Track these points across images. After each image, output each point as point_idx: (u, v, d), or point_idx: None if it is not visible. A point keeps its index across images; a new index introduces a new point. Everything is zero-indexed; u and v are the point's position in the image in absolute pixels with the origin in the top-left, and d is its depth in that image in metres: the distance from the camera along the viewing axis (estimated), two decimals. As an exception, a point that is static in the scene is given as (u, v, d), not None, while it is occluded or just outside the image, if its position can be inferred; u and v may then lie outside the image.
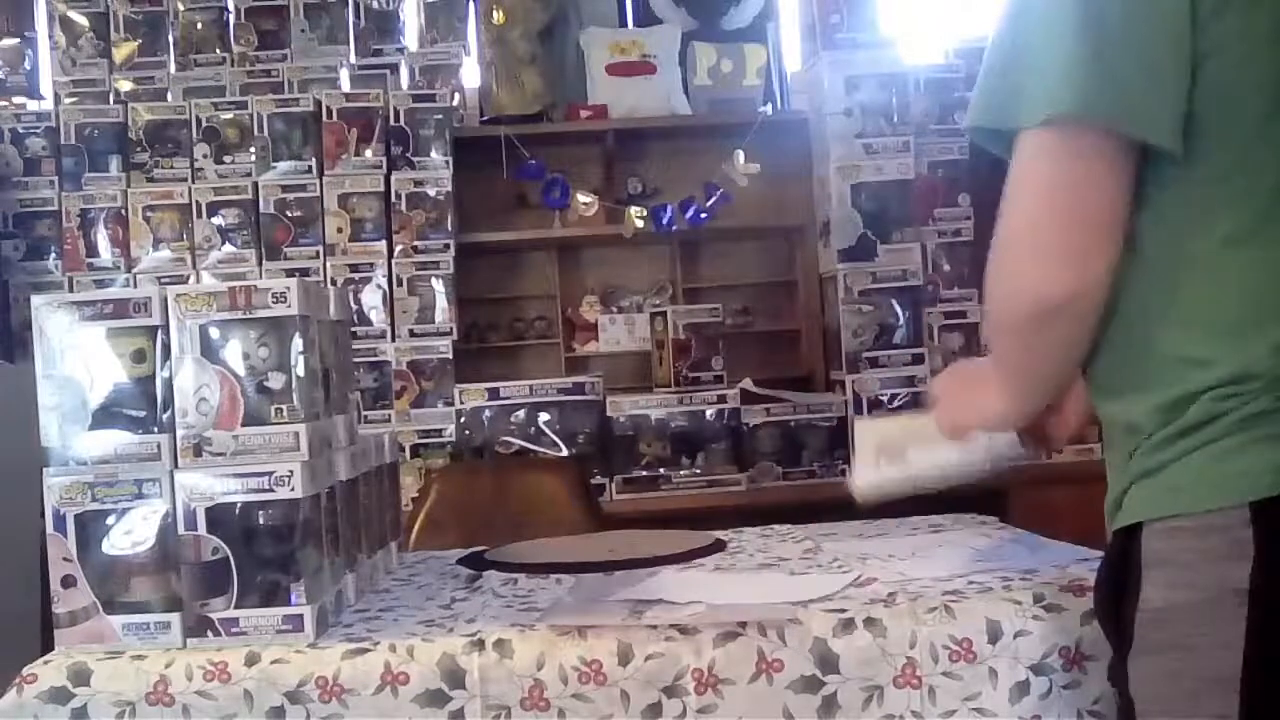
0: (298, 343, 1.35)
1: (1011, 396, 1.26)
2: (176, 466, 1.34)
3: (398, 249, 3.54)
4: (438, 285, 3.56)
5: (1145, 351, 1.10)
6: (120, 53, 3.77)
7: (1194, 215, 1.07)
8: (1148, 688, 1.08)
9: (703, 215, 3.74)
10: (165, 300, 1.35)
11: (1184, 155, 1.05)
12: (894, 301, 3.57)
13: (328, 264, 3.53)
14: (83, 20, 3.77)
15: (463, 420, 3.34)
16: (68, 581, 1.33)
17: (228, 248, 3.51)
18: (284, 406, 1.35)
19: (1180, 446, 1.06)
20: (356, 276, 3.53)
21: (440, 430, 3.48)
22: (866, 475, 1.47)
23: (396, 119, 3.58)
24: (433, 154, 3.58)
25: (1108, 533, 1.21)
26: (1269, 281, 1.05)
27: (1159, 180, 1.07)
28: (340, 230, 3.53)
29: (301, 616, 1.33)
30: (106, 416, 1.35)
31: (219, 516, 1.33)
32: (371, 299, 3.53)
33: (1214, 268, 1.06)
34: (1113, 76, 1.03)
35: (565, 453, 3.27)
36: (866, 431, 1.54)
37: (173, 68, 3.77)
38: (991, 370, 1.26)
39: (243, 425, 1.34)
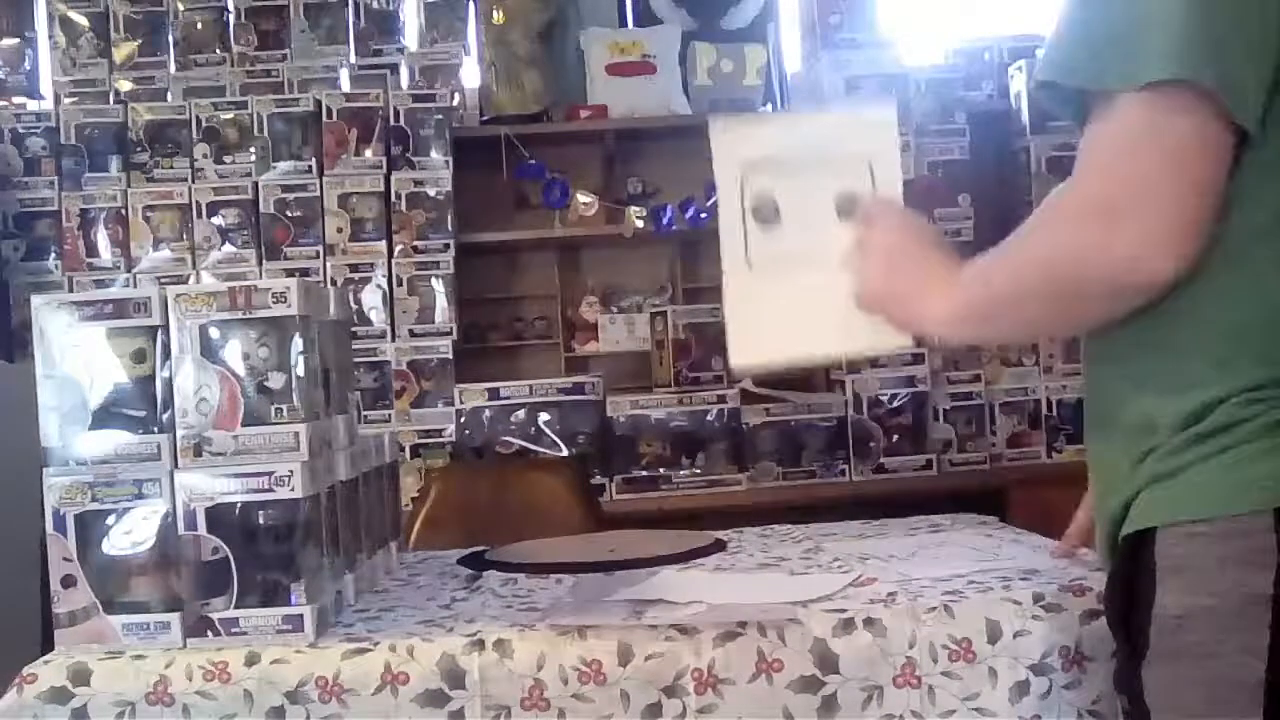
0: (298, 343, 1.35)
1: (973, 324, 1.19)
2: (176, 466, 1.34)
3: (398, 249, 3.54)
4: (438, 285, 3.56)
5: (1173, 350, 1.08)
6: (120, 53, 3.77)
7: (1249, 216, 1.04)
8: (1166, 696, 1.06)
9: (703, 215, 3.74)
10: (165, 300, 1.35)
11: (1251, 151, 1.02)
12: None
13: (328, 264, 3.52)
14: (83, 20, 3.77)
15: (463, 420, 3.34)
16: (68, 581, 1.33)
17: (228, 248, 3.51)
18: (284, 406, 1.35)
19: (1200, 450, 1.05)
20: (356, 276, 3.52)
21: (440, 430, 3.47)
22: (746, 352, 1.34)
23: (396, 119, 3.58)
24: (433, 154, 3.58)
25: (1097, 535, 1.19)
26: None
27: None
28: (340, 230, 3.53)
29: (301, 616, 1.33)
30: (106, 416, 1.35)
31: (219, 516, 1.33)
32: (371, 299, 3.53)
33: (1247, 265, 1.04)
34: (1221, 48, 0.99)
35: (565, 453, 3.27)
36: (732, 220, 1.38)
37: (173, 68, 3.77)
38: (959, 279, 1.18)
39: (243, 425, 1.34)
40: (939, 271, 1.22)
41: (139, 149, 3.55)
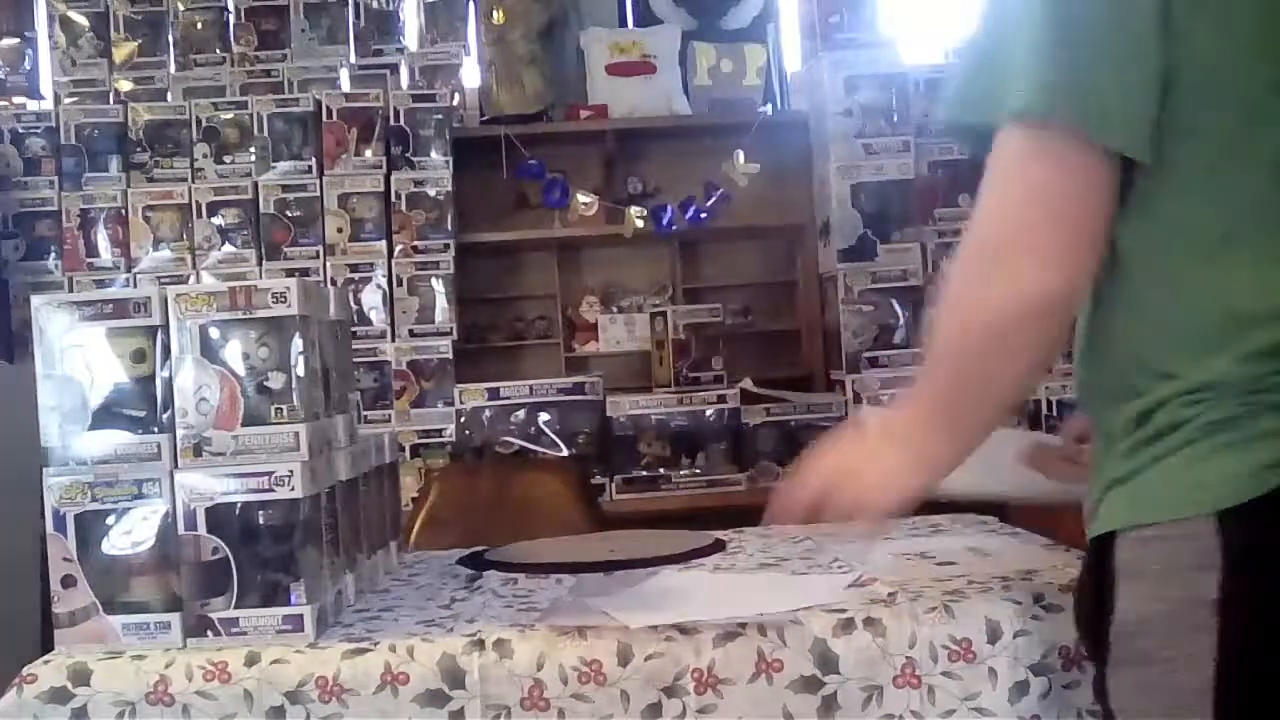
0: (298, 343, 1.35)
1: (943, 416, 1.15)
2: (176, 466, 1.34)
3: (398, 249, 3.54)
4: (438, 285, 3.56)
5: (1120, 362, 1.09)
6: (120, 53, 3.77)
7: (1166, 226, 1.05)
8: (1126, 701, 1.06)
9: (703, 215, 3.74)
10: (165, 300, 1.35)
11: (1157, 165, 1.03)
12: (894, 301, 3.57)
13: (328, 264, 3.53)
14: (83, 20, 3.77)
15: (463, 420, 3.34)
16: (68, 581, 1.33)
17: (228, 248, 3.51)
18: (284, 406, 1.35)
19: (1148, 454, 1.04)
20: (356, 276, 3.53)
21: (440, 430, 3.48)
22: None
23: (396, 119, 3.58)
24: (433, 154, 3.58)
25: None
26: (1237, 293, 1.03)
27: (1135, 188, 1.05)
28: (340, 230, 3.53)
29: (301, 616, 1.33)
30: (106, 416, 1.35)
31: (219, 516, 1.33)
32: (371, 299, 3.53)
33: (1184, 279, 1.05)
34: (1082, 79, 1.01)
35: (565, 453, 3.27)
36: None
37: (173, 68, 3.77)
38: (891, 427, 1.18)
39: (243, 425, 1.34)
40: (862, 447, 1.22)
41: (139, 149, 3.55)
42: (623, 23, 4.03)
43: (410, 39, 3.85)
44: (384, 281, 3.53)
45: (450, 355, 3.56)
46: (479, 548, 1.87)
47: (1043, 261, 1.04)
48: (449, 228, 3.58)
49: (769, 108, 3.91)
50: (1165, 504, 1.02)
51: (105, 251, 3.54)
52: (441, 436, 3.48)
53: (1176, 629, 1.00)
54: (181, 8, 3.77)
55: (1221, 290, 1.03)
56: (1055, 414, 3.46)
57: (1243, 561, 0.98)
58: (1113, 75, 1.01)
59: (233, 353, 1.34)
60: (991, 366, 1.11)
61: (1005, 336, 1.08)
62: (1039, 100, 1.02)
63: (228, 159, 3.55)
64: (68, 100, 3.72)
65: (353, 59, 3.78)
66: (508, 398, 3.34)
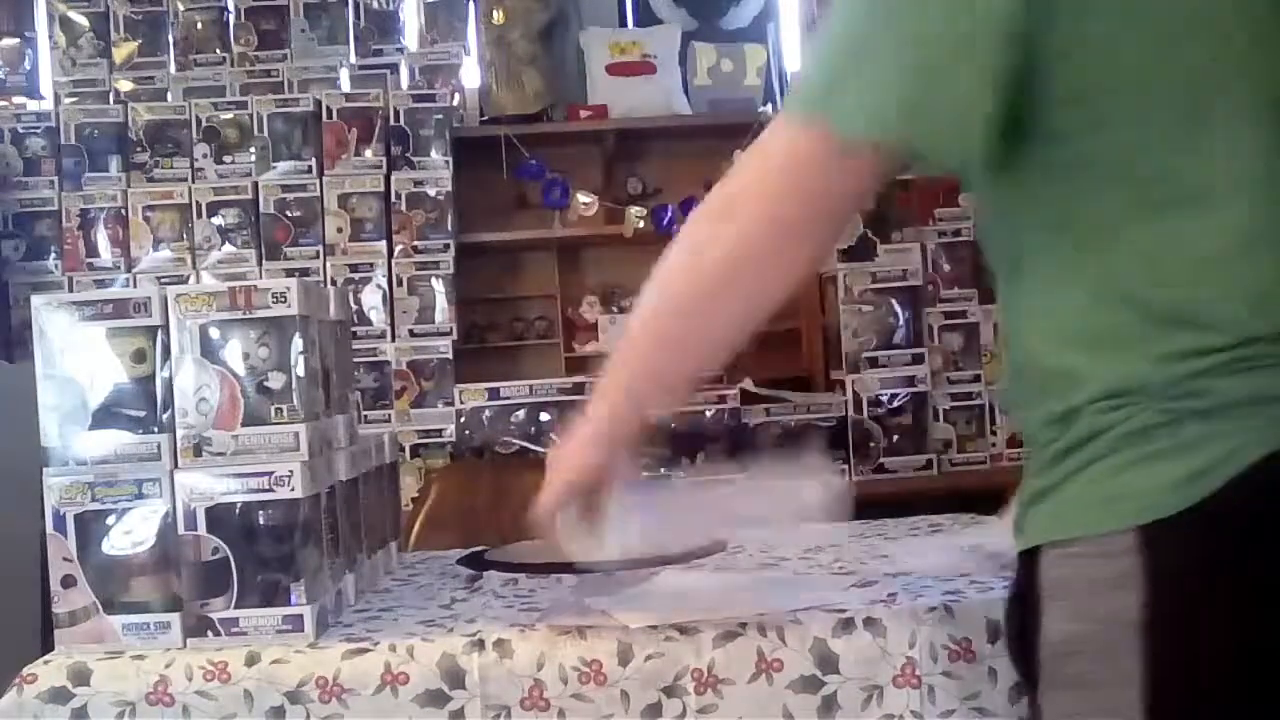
0: (298, 343, 1.35)
1: (618, 396, 1.20)
2: (176, 466, 1.34)
3: (398, 249, 3.54)
4: (438, 285, 3.56)
5: (1031, 365, 1.05)
6: (120, 53, 3.77)
7: (1063, 223, 1.01)
8: None
9: (703, 215, 3.74)
10: (165, 300, 1.35)
11: (1042, 161, 1.00)
12: (894, 301, 3.57)
13: (328, 264, 3.52)
14: (83, 20, 3.77)
15: (463, 420, 3.34)
16: (68, 581, 1.33)
17: (228, 248, 3.51)
18: (284, 406, 1.35)
19: (1067, 465, 0.99)
20: (356, 276, 3.52)
21: (440, 430, 3.47)
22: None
23: (396, 119, 3.58)
24: (433, 154, 3.58)
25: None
26: (1147, 288, 0.98)
27: (1024, 186, 1.02)
28: (340, 230, 3.53)
29: (301, 616, 1.33)
30: (106, 416, 1.35)
31: (219, 516, 1.33)
32: (371, 299, 3.53)
33: (1087, 277, 1.00)
34: (863, 77, 0.99)
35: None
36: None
37: (173, 68, 3.76)
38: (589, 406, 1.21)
39: (243, 425, 1.34)
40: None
41: (139, 149, 3.55)
42: (623, 23, 4.03)
43: (410, 39, 3.85)
44: (384, 281, 3.53)
45: (450, 355, 3.55)
46: (479, 548, 1.86)
47: (789, 233, 1.05)
48: (449, 228, 3.57)
49: (769, 108, 3.90)
50: (1085, 519, 0.97)
51: (105, 251, 3.54)
52: (441, 436, 3.47)
53: (1103, 651, 0.95)
54: (181, 8, 3.76)
55: (1128, 288, 0.98)
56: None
57: (1166, 581, 0.93)
58: (932, 82, 0.98)
59: (233, 353, 1.34)
60: (694, 324, 1.14)
61: (716, 291, 1.10)
62: (814, 96, 1.02)
63: (228, 159, 3.55)
64: (68, 100, 3.72)
65: (353, 59, 3.78)
66: (508, 398, 3.34)
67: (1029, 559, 1.02)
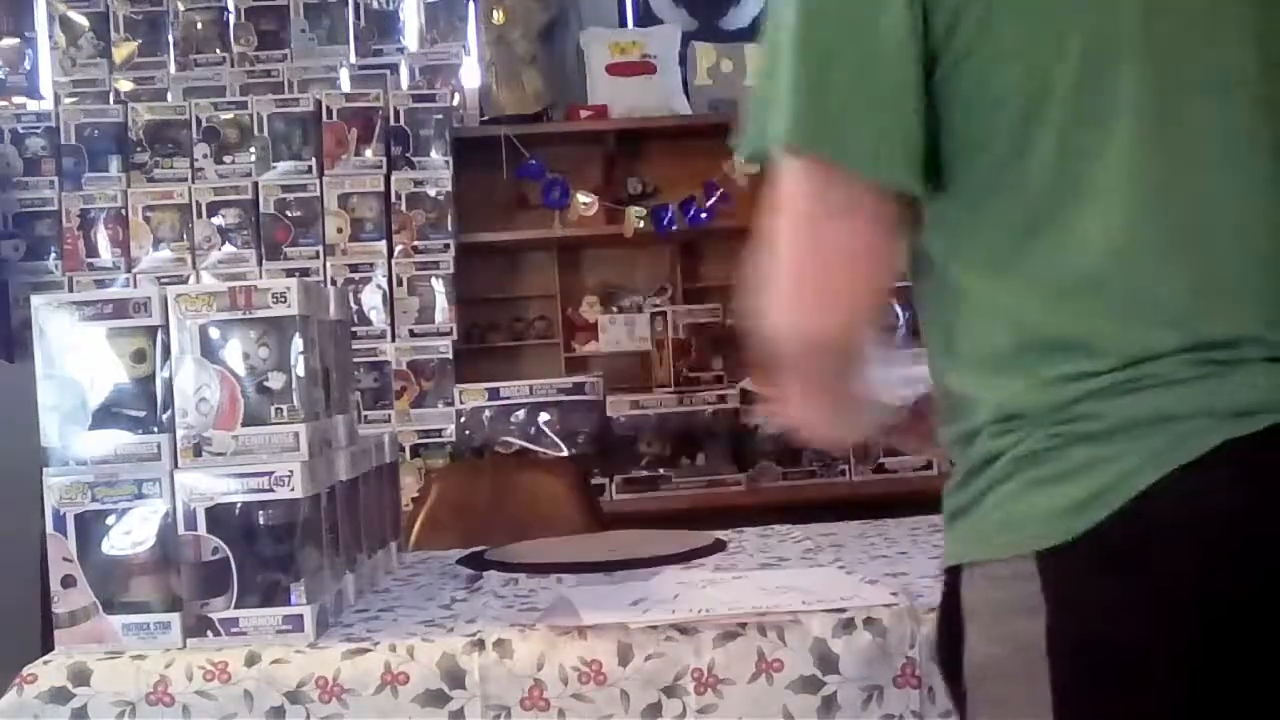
0: (298, 343, 1.35)
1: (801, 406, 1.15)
2: (176, 466, 1.34)
3: (398, 249, 3.54)
4: (438, 285, 3.56)
5: (939, 385, 1.05)
6: (120, 53, 3.77)
7: (952, 243, 1.01)
8: None
9: (703, 215, 3.74)
10: (165, 300, 1.35)
11: (950, 178, 0.99)
12: (894, 301, 3.56)
13: (328, 264, 3.52)
14: (83, 20, 3.77)
15: (463, 420, 3.34)
16: (68, 581, 1.33)
17: (228, 248, 3.51)
18: (284, 406, 1.35)
19: (975, 486, 0.98)
20: (356, 276, 3.52)
21: (440, 430, 3.47)
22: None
23: (396, 119, 3.58)
24: (433, 154, 3.58)
25: None
26: (1028, 310, 0.96)
27: (929, 209, 1.01)
28: (340, 230, 3.53)
29: (301, 616, 1.33)
30: (106, 416, 1.35)
31: (219, 516, 1.33)
32: (371, 299, 3.53)
33: (974, 298, 0.99)
34: (829, 107, 0.97)
35: (565, 453, 3.27)
36: None
37: (173, 68, 3.76)
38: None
39: (243, 425, 1.34)
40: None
41: (139, 149, 3.55)
42: (623, 23, 4.03)
43: (410, 39, 3.85)
44: (384, 281, 3.53)
45: (450, 355, 3.55)
46: (479, 548, 1.87)
47: (815, 301, 1.03)
48: (449, 228, 3.57)
49: (769, 108, 3.90)
50: (991, 543, 0.96)
51: (105, 251, 3.54)
52: (441, 436, 3.48)
53: (1016, 674, 0.94)
54: (181, 8, 3.76)
55: (1012, 307, 0.97)
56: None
57: (1065, 607, 0.91)
58: (858, 99, 0.97)
59: (233, 353, 1.34)
60: (805, 385, 1.12)
61: (800, 363, 1.07)
62: (790, 132, 0.98)
63: (228, 159, 3.55)
64: (68, 100, 3.72)
65: (353, 59, 3.78)
66: (508, 398, 3.34)
67: (952, 576, 1.02)
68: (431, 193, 3.56)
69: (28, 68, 3.89)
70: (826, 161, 0.98)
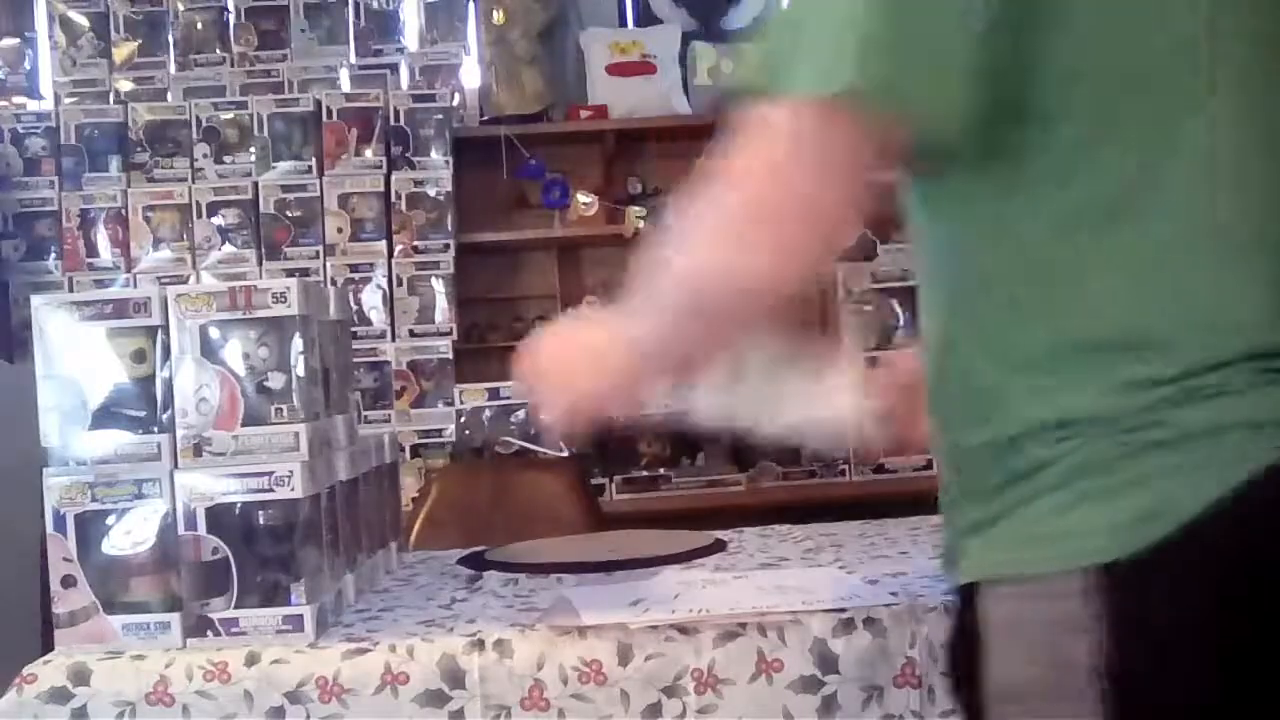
0: (298, 343, 1.35)
1: (650, 348, 1.10)
2: (176, 466, 1.34)
3: (398, 249, 3.54)
4: (438, 285, 3.56)
5: (971, 384, 0.97)
6: (120, 53, 3.77)
7: (1008, 233, 0.93)
8: None
9: (703, 215, 3.74)
10: (165, 300, 1.35)
11: (1004, 172, 0.92)
12: (894, 301, 3.57)
13: (328, 264, 3.52)
14: (83, 20, 3.77)
15: (463, 420, 3.34)
16: (68, 581, 1.33)
17: (228, 248, 3.51)
18: (284, 406, 1.35)
19: (1012, 496, 0.92)
20: (356, 276, 3.52)
21: (440, 430, 3.48)
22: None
23: (396, 119, 3.58)
24: (433, 154, 3.58)
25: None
26: (1097, 308, 0.90)
27: (979, 190, 0.94)
28: (340, 230, 3.53)
29: (301, 616, 1.33)
30: (106, 416, 1.35)
31: (219, 516, 1.33)
32: (371, 299, 3.53)
33: (1032, 294, 0.92)
34: (892, 52, 0.89)
35: (565, 453, 3.27)
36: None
37: (173, 68, 3.76)
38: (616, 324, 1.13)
39: (243, 425, 1.34)
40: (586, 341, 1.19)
41: (139, 149, 3.55)
42: (623, 23, 4.03)
43: (410, 39, 3.85)
44: (384, 281, 3.53)
45: (450, 355, 3.55)
46: (479, 548, 1.87)
47: (774, 250, 0.98)
48: (449, 228, 3.57)
49: (769, 108, 3.90)
50: (1031, 558, 0.90)
51: (105, 251, 3.54)
52: (441, 436, 3.48)
53: (1056, 695, 0.88)
54: (181, 8, 3.76)
55: (1078, 307, 0.91)
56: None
57: (1122, 625, 0.86)
58: (924, 48, 0.89)
59: (233, 353, 1.34)
60: (705, 331, 1.07)
61: (732, 311, 1.04)
62: (856, 74, 0.89)
63: (228, 159, 3.55)
64: (68, 100, 3.72)
65: (353, 59, 3.77)
66: (508, 398, 3.33)
67: (968, 593, 0.96)
68: (431, 193, 3.56)
69: (28, 68, 3.89)
70: (873, 114, 0.90)
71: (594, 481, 3.23)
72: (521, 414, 3.27)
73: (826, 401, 1.29)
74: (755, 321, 1.07)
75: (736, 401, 1.30)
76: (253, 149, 3.54)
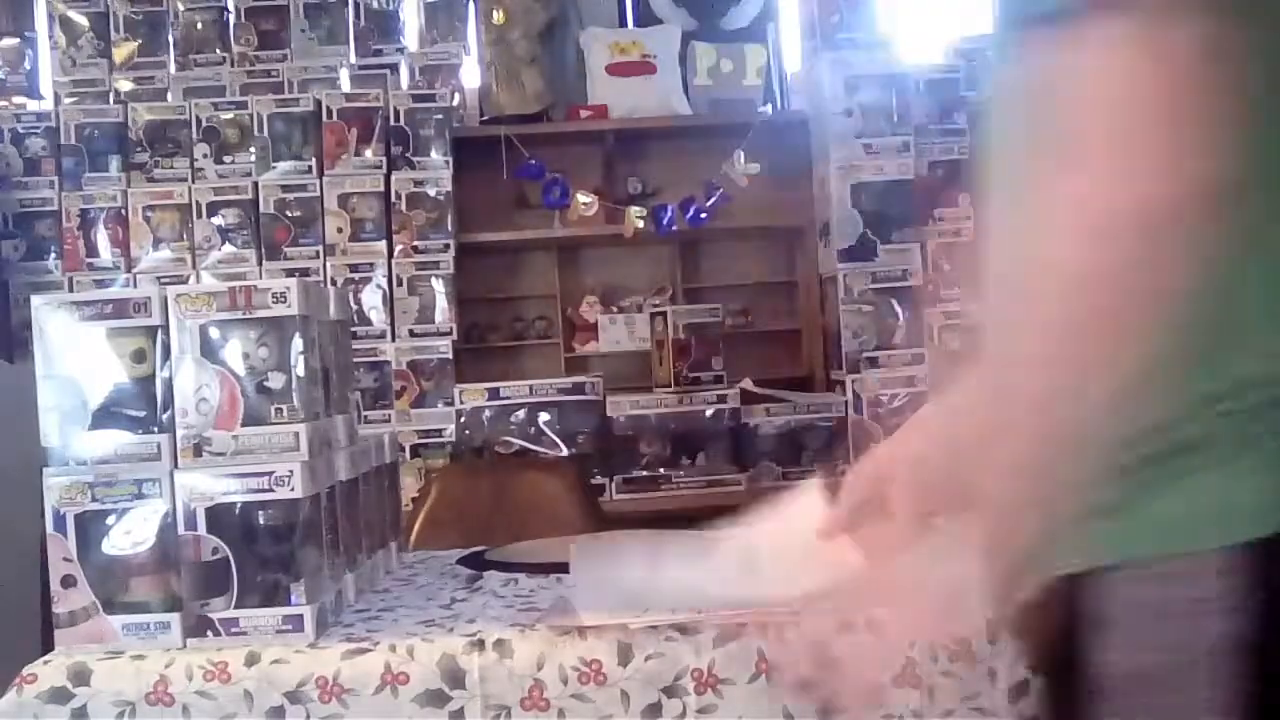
0: (298, 343, 1.35)
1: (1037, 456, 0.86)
2: (176, 466, 1.34)
3: (398, 249, 3.54)
4: (438, 285, 3.56)
5: (1193, 338, 0.84)
6: (120, 53, 3.77)
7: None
8: None
9: (703, 215, 3.74)
10: (165, 300, 1.35)
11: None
12: (894, 301, 3.57)
13: (328, 264, 3.53)
14: (83, 20, 3.77)
15: (463, 420, 3.34)
16: (68, 581, 1.33)
17: (228, 248, 3.51)
18: (284, 406, 1.35)
19: (1142, 477, 0.86)
20: (356, 276, 3.53)
21: (440, 430, 3.48)
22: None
23: (396, 119, 3.58)
24: (433, 154, 3.58)
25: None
26: None
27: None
28: (340, 230, 3.53)
29: (301, 616, 1.33)
30: (106, 416, 1.35)
31: (219, 516, 1.33)
32: (371, 299, 3.53)
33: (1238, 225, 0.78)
34: None
35: (565, 453, 3.27)
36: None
37: (173, 68, 3.77)
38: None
39: (243, 425, 1.34)
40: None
41: (139, 149, 3.55)
42: (623, 23, 4.03)
43: (410, 39, 3.85)
44: (384, 281, 3.53)
45: (450, 355, 3.56)
46: (479, 548, 1.87)
47: (1154, 159, 0.74)
48: (449, 228, 3.58)
49: (769, 108, 3.91)
50: (1186, 534, 0.85)
51: (105, 251, 3.54)
52: (441, 436, 3.48)
53: (1186, 682, 0.85)
54: (181, 8, 3.76)
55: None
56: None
57: (1268, 606, 0.82)
58: None
59: (233, 353, 1.34)
60: (1114, 310, 0.78)
61: (1134, 257, 0.76)
62: None
63: (228, 159, 3.55)
64: (68, 100, 3.72)
65: (353, 59, 3.78)
66: (508, 398, 3.34)
67: (1075, 582, 0.90)
68: (431, 193, 3.57)
69: (28, 68, 3.89)
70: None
71: (594, 481, 3.23)
72: (521, 414, 3.27)
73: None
74: (1179, 255, 0.77)
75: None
76: (253, 149, 3.54)
